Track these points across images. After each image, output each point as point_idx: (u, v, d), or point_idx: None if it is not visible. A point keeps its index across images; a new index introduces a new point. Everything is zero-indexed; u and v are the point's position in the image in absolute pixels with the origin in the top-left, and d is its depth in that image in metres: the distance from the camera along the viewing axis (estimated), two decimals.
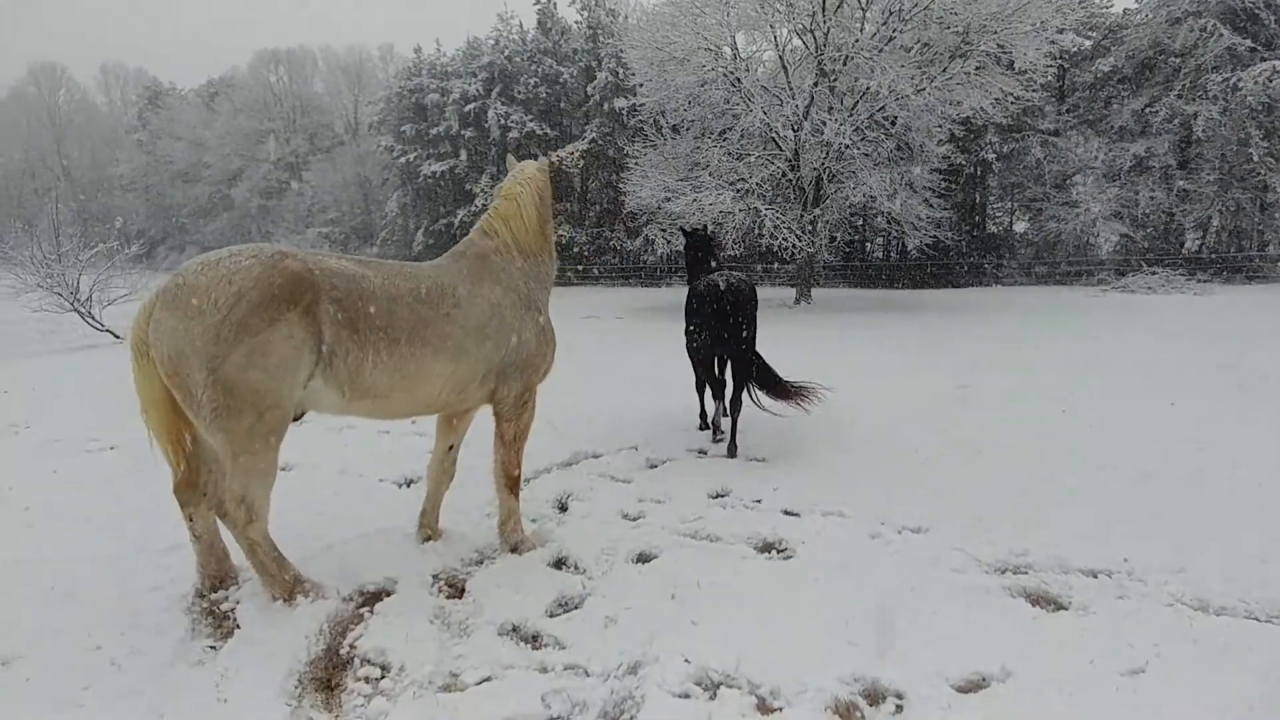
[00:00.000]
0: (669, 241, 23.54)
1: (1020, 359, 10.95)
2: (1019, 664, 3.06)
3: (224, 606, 3.63)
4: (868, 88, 19.71)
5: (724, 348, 6.40)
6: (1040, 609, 3.57)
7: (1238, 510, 4.73)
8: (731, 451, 6.28)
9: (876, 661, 3.12)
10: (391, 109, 40.58)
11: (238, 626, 3.43)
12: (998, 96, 19.38)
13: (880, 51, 19.30)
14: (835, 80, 20.39)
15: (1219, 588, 3.67)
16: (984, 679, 3.01)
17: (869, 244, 34.48)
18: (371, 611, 3.61)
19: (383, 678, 3.09)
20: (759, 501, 5.12)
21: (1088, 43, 24.71)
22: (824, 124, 19.82)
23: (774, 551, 4.33)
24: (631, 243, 33.40)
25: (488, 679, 3.05)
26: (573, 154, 33.11)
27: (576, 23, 37.61)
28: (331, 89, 59.62)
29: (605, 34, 34.35)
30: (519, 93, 36.26)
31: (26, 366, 13.00)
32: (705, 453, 6.45)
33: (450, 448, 4.42)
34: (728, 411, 6.48)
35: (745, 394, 6.38)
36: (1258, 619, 3.43)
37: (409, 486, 5.59)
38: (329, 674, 3.15)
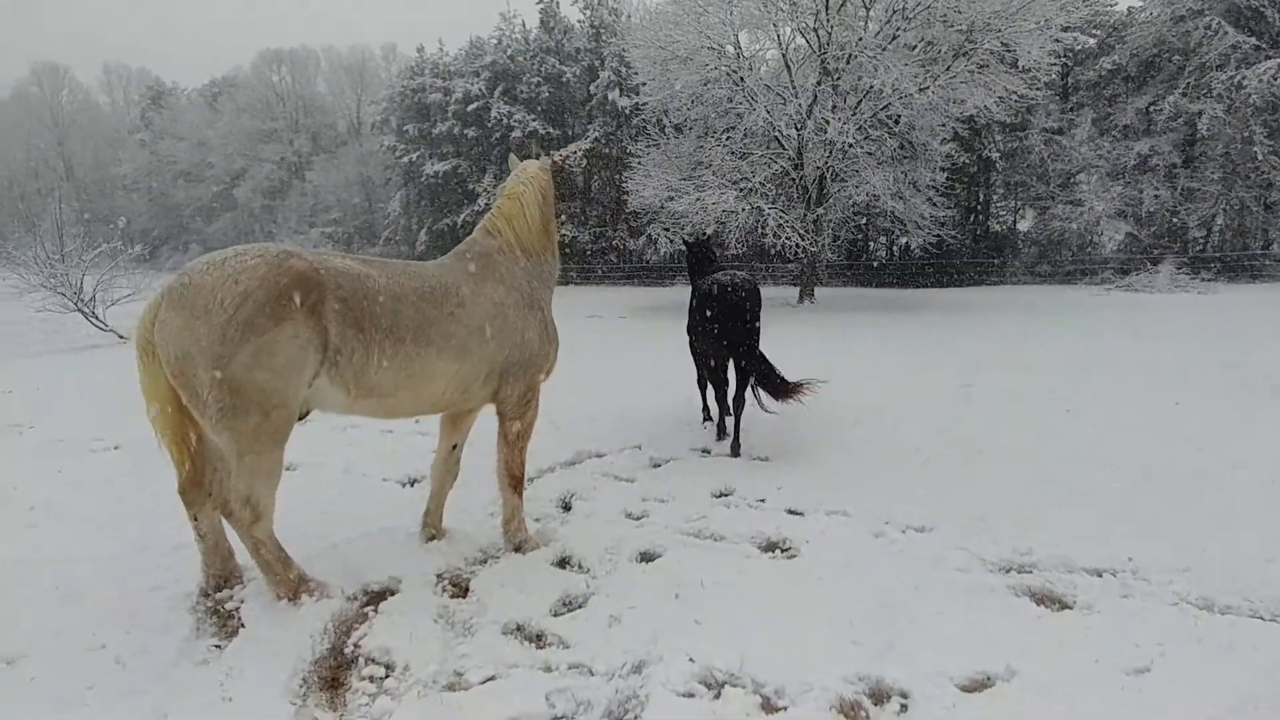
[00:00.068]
0: (672, 241, 23.53)
1: (1023, 358, 10.93)
2: (1023, 663, 3.06)
3: (228, 606, 3.64)
4: (871, 86, 19.67)
5: (728, 346, 6.40)
6: (1044, 608, 3.56)
7: (1242, 509, 4.72)
8: (735, 451, 6.28)
9: (881, 661, 3.11)
10: (394, 108, 40.57)
11: (242, 626, 3.44)
12: (1001, 95, 19.30)
13: (884, 50, 19.26)
14: (838, 79, 20.35)
15: (1223, 587, 3.66)
16: (988, 678, 3.01)
17: (872, 243, 34.44)
18: (376, 611, 3.62)
19: (387, 677, 3.10)
20: (763, 501, 5.12)
21: (1092, 41, 24.68)
22: (827, 123, 19.78)
23: (778, 551, 4.33)
24: (634, 242, 33.41)
25: (492, 678, 3.05)
26: (575, 153, 33.09)
27: (579, 22, 37.57)
28: (334, 89, 59.65)
29: (608, 33, 34.33)
30: (521, 92, 36.25)
31: (30, 366, 13.03)
32: (709, 452, 6.45)
33: (454, 447, 4.43)
34: (731, 410, 6.48)
35: (749, 393, 6.37)
36: (1262, 618, 3.42)
37: (413, 486, 5.60)
38: (334, 673, 3.15)
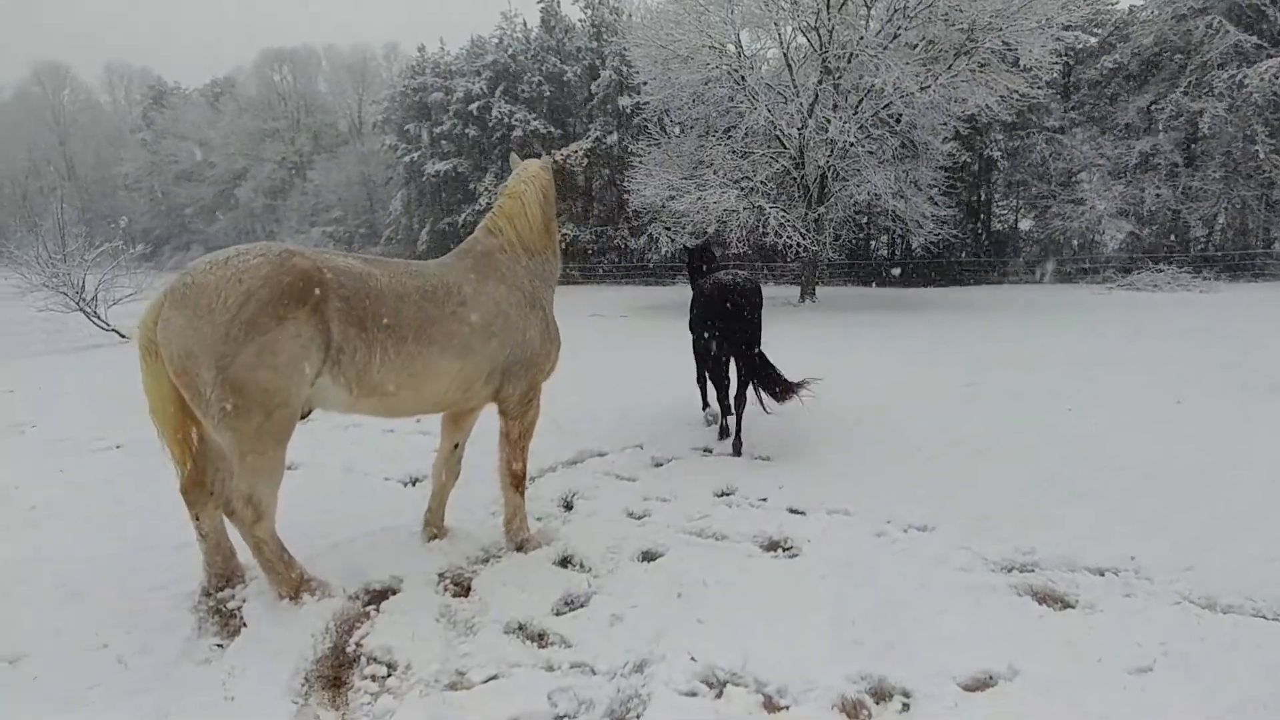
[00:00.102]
0: (673, 240, 23.53)
1: (1025, 357, 10.92)
2: (1026, 662, 3.05)
3: (230, 605, 3.64)
4: (872, 85, 19.67)
5: (729, 346, 6.40)
6: (1047, 607, 3.56)
7: (1245, 508, 4.71)
8: (737, 450, 6.27)
9: (883, 660, 3.11)
10: (395, 108, 40.61)
11: (244, 625, 3.44)
12: (1003, 93, 19.30)
13: (885, 49, 19.25)
14: (840, 78, 20.35)
15: (1226, 586, 3.65)
16: (991, 677, 3.01)
17: (873, 242, 34.44)
18: (378, 610, 3.61)
19: (389, 676, 3.09)
20: (764, 500, 5.11)
21: (1093, 39, 24.65)
22: (828, 122, 19.78)
23: (780, 550, 4.32)
24: (635, 241, 33.41)
25: (494, 677, 3.05)
26: (576, 152, 33.09)
27: (580, 21, 37.58)
28: (335, 88, 59.71)
29: (609, 32, 34.33)
30: (523, 91, 36.27)
31: (32, 366, 13.04)
32: (710, 451, 6.44)
33: (455, 446, 4.42)
34: (733, 409, 6.47)
35: (752, 391, 6.36)
36: (1265, 617, 3.42)
37: (414, 485, 5.60)
38: (335, 672, 3.15)
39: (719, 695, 2.93)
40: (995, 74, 19.11)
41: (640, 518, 4.83)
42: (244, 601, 3.62)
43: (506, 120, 35.43)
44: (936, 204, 22.18)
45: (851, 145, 20.20)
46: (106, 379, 10.73)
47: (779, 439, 6.54)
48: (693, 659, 3.11)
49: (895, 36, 19.48)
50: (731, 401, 6.48)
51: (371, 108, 49.62)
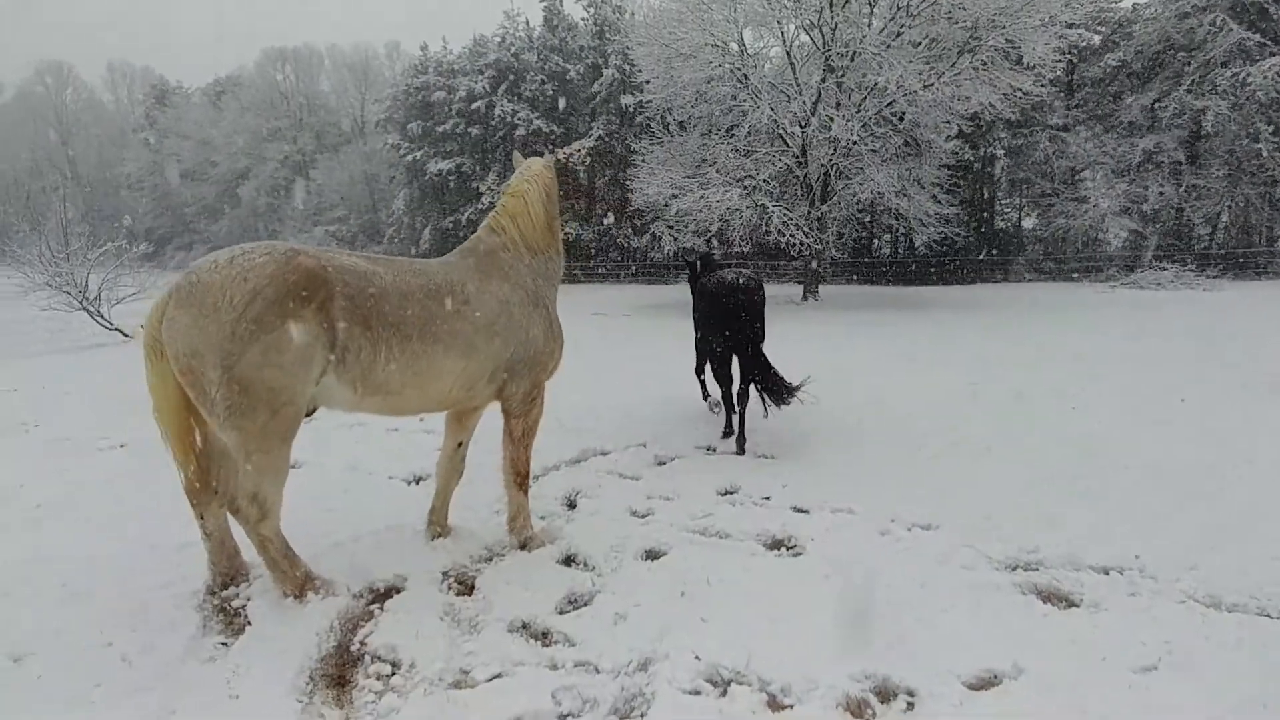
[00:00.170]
0: (676, 239, 23.53)
1: (1029, 356, 10.91)
2: (1031, 661, 3.05)
3: (235, 603, 3.64)
4: (875, 83, 19.62)
5: (732, 345, 6.40)
6: (1051, 606, 3.56)
7: (1249, 507, 4.70)
8: (740, 448, 6.27)
9: (887, 658, 3.11)
10: (398, 107, 40.61)
11: (249, 623, 3.44)
12: (1006, 92, 19.25)
13: (888, 47, 19.22)
14: (843, 76, 20.32)
15: (1231, 584, 3.64)
16: (995, 676, 3.00)
17: (877, 240, 34.41)
18: (382, 608, 3.62)
19: (393, 674, 3.10)
20: (768, 498, 5.11)
21: (1096, 37, 24.58)
22: (831, 120, 19.75)
23: (783, 548, 4.32)
24: (638, 240, 33.40)
25: (498, 676, 3.05)
26: (579, 151, 33.10)
27: (583, 20, 37.58)
28: (338, 87, 59.70)
29: (612, 31, 34.33)
30: (525, 90, 36.26)
31: (35, 365, 13.06)
32: (713, 450, 6.45)
33: (459, 445, 4.43)
34: (736, 406, 6.47)
35: (754, 390, 6.35)
36: (1270, 616, 3.41)
37: (418, 484, 5.60)
38: (340, 671, 3.15)
39: (723, 694, 2.92)
40: (998, 72, 19.07)
41: (643, 516, 4.83)
42: (248, 600, 3.63)
43: (509, 119, 35.43)
44: (939, 202, 22.16)
45: (854, 143, 20.18)
46: (110, 378, 10.74)
47: (782, 438, 6.54)
48: (696, 658, 3.11)
49: (898, 34, 19.45)
50: (735, 398, 6.48)
51: (374, 107, 49.69)
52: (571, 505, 5.13)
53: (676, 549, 4.24)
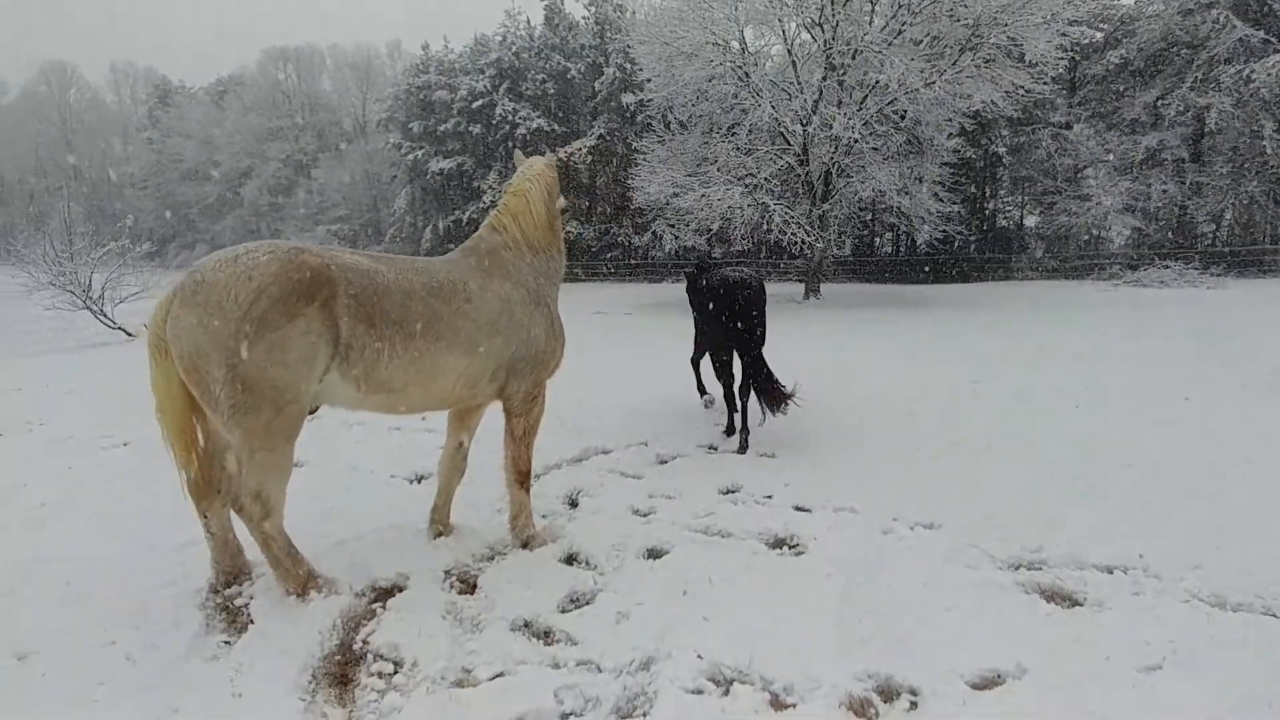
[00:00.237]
0: (677, 238, 23.51)
1: (1031, 354, 10.88)
2: (1034, 661, 3.04)
3: (238, 602, 3.65)
4: (877, 81, 19.58)
5: (734, 344, 6.39)
6: (1055, 605, 3.55)
7: (1254, 506, 4.68)
8: (742, 447, 6.26)
9: (890, 658, 3.10)
10: (399, 106, 40.60)
11: (251, 622, 3.44)
12: (1008, 89, 19.20)
13: (889, 45, 19.17)
14: (844, 74, 20.28)
15: (1236, 584, 3.63)
16: (999, 675, 3.00)
17: (878, 239, 34.37)
18: (384, 607, 3.62)
19: (396, 673, 3.10)
20: (770, 497, 5.11)
21: (1099, 35, 24.49)
22: (833, 118, 19.71)
23: (785, 547, 4.32)
24: (639, 238, 33.39)
25: (500, 674, 3.05)
26: (580, 150, 33.09)
27: (584, 18, 37.56)
28: (339, 86, 59.77)
29: (613, 29, 34.32)
30: (526, 89, 36.26)
31: (39, 364, 13.09)
32: (715, 448, 6.44)
33: (461, 443, 4.43)
34: (737, 404, 6.46)
35: (754, 392, 6.34)
36: (1275, 615, 3.40)
37: (420, 482, 5.61)
38: (342, 669, 3.16)
39: (725, 693, 2.92)
40: (1001, 70, 19.02)
41: (645, 515, 4.83)
42: (251, 598, 3.63)
43: (510, 118, 35.43)
44: (941, 200, 22.10)
45: (856, 142, 20.14)
46: (113, 377, 10.76)
47: (784, 436, 6.53)
48: (699, 656, 3.11)
49: (900, 32, 19.40)
50: (736, 396, 6.47)
51: (375, 106, 49.69)
52: (573, 504, 5.13)
53: (678, 548, 4.24)
